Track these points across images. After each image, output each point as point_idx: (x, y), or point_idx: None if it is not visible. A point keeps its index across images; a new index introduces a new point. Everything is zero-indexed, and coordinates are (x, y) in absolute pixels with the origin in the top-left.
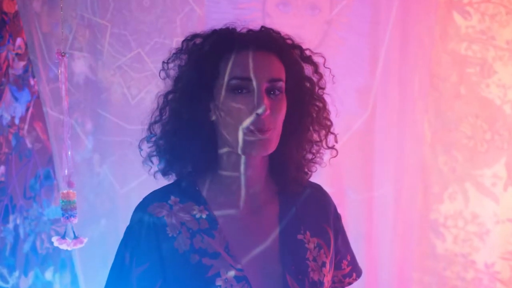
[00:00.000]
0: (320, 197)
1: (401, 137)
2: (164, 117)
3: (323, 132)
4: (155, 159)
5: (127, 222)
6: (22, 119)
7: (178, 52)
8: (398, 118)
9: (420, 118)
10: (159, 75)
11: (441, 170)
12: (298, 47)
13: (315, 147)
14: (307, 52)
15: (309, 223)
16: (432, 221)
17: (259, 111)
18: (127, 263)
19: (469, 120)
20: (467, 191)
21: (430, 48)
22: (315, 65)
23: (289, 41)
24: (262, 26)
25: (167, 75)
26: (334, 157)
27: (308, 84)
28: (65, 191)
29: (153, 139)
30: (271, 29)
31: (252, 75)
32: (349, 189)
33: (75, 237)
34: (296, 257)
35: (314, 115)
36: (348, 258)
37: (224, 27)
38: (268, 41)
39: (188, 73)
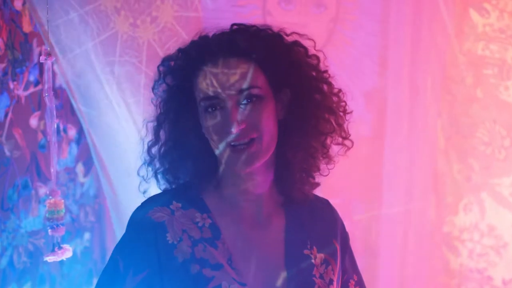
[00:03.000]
0: (328, 212)
1: (413, 144)
2: (159, 139)
3: (335, 118)
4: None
5: (114, 237)
6: (1, 125)
7: (158, 78)
8: (409, 123)
9: (433, 123)
10: (152, 102)
11: (455, 179)
12: (277, 35)
13: (329, 139)
14: (294, 37)
15: (316, 238)
16: (446, 234)
17: (229, 129)
18: (122, 271)
19: (486, 125)
20: (484, 201)
21: (444, 48)
22: (304, 48)
23: (268, 31)
24: (233, 24)
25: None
26: (350, 148)
27: (302, 70)
28: (51, 200)
29: (151, 161)
30: (242, 25)
31: (216, 93)
32: (356, 199)
33: (53, 250)
34: (302, 273)
35: (319, 100)
36: (355, 278)
37: (195, 39)
38: (233, 47)
39: (171, 98)
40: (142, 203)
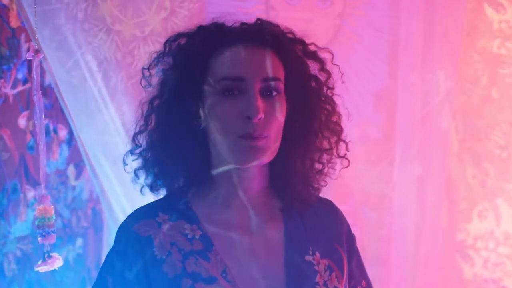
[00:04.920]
0: (331, 213)
1: (424, 147)
2: (149, 126)
3: (334, 138)
4: (141, 173)
5: (108, 243)
6: None
7: (161, 55)
8: (421, 125)
9: (446, 125)
10: (141, 83)
11: (469, 184)
12: (300, 41)
13: (325, 156)
14: (312, 47)
15: (319, 243)
16: (459, 242)
17: (250, 114)
18: None
19: (502, 127)
20: (499, 208)
21: (457, 46)
22: (321, 62)
23: (289, 35)
24: (258, 19)
25: (149, 83)
26: (346, 167)
27: (314, 84)
28: (41, 206)
29: (138, 151)
30: (268, 21)
31: (243, 74)
32: (365, 206)
33: (43, 259)
34: (304, 281)
35: (323, 118)
36: (363, 284)
37: (211, 22)
38: (263, 35)
39: (174, 76)
40: (128, 217)
